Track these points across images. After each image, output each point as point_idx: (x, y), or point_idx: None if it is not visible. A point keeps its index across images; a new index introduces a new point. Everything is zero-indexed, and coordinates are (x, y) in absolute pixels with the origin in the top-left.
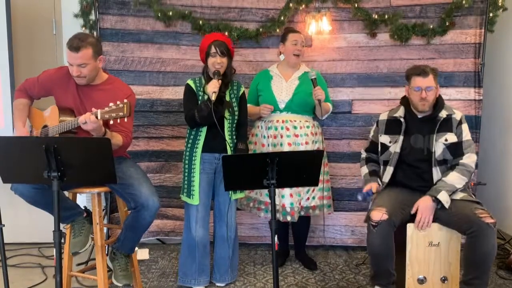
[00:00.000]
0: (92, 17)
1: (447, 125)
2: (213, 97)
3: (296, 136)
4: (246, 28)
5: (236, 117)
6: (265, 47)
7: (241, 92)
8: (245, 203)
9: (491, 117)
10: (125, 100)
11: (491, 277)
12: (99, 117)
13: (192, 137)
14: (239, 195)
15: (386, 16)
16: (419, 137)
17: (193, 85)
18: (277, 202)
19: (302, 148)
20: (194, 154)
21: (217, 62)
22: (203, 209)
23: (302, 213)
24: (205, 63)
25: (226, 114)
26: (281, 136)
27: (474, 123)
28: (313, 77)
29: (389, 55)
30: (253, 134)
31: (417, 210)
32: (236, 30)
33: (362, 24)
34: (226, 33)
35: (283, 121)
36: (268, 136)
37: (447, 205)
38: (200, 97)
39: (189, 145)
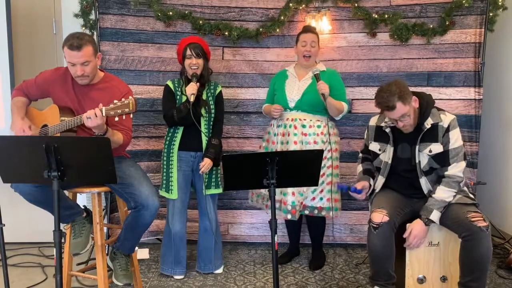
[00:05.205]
0: (92, 16)
1: (432, 134)
2: (192, 99)
3: (305, 135)
4: (246, 27)
5: (212, 115)
6: (265, 47)
7: (217, 92)
8: (255, 199)
9: (491, 117)
10: (130, 97)
11: (490, 276)
12: (103, 114)
13: (170, 135)
14: (212, 190)
15: (386, 16)
16: (405, 146)
17: (171, 86)
18: (278, 198)
19: (310, 147)
20: (171, 152)
21: (192, 63)
22: (180, 204)
23: (307, 212)
24: (182, 65)
25: (203, 112)
26: (288, 134)
27: (474, 122)
28: (315, 73)
29: (389, 55)
30: (266, 132)
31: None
32: (236, 30)
33: (362, 24)
34: (226, 33)
35: (292, 120)
36: (277, 134)
37: (437, 222)
38: (178, 97)
39: (166, 143)
